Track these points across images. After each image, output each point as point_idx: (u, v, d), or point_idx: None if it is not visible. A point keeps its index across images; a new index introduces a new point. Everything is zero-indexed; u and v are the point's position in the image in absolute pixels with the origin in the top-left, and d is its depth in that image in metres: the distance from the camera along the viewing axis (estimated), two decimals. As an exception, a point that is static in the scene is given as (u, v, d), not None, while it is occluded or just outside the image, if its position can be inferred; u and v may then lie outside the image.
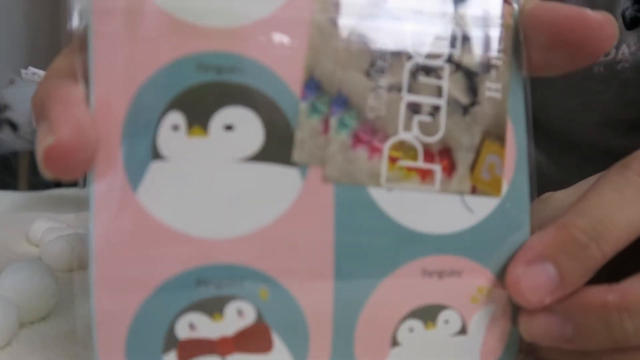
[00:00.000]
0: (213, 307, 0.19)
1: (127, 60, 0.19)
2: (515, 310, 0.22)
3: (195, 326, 0.19)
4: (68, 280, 0.34)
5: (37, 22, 1.96)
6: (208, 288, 0.19)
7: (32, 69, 0.44)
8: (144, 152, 0.19)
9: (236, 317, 0.19)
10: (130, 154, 0.19)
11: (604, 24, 0.20)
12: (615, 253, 0.20)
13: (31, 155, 1.76)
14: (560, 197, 0.23)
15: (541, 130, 0.48)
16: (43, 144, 0.18)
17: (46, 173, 0.18)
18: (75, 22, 0.19)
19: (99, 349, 0.19)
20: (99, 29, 0.19)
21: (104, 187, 0.19)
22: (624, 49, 0.40)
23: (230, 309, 0.19)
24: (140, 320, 0.19)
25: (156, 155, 0.19)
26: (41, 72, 0.44)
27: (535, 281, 0.20)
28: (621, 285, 0.20)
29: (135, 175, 0.19)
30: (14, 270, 0.27)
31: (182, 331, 0.19)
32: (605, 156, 0.25)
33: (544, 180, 0.24)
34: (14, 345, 0.24)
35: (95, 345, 0.19)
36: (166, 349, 0.19)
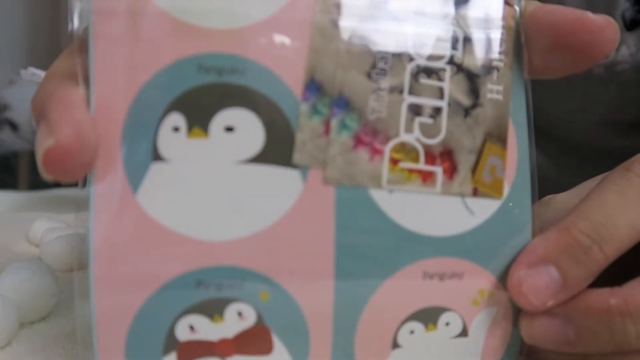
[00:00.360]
0: (213, 309, 0.19)
1: (127, 61, 0.19)
2: (516, 313, 0.22)
3: (196, 328, 0.19)
4: (68, 280, 0.34)
5: (37, 22, 1.96)
6: (208, 290, 0.19)
7: (32, 69, 0.43)
8: (145, 153, 0.19)
9: (236, 319, 0.19)
10: (131, 156, 0.19)
11: (605, 27, 0.20)
12: (617, 255, 0.20)
13: (31, 155, 1.76)
14: (561, 200, 0.23)
15: (541, 132, 0.48)
16: (43, 145, 0.18)
17: (46, 175, 0.18)
18: (75, 23, 0.19)
19: (98, 349, 0.19)
20: (100, 30, 0.19)
21: (104, 188, 0.19)
22: (624, 50, 0.40)
23: (231, 310, 0.19)
24: (141, 321, 0.19)
25: (156, 156, 0.19)
26: (41, 72, 0.44)
27: (538, 284, 0.20)
28: (624, 288, 0.20)
29: (135, 177, 0.19)
30: (14, 270, 0.27)
31: (182, 333, 0.19)
32: (605, 157, 0.25)
33: (544, 181, 0.24)
34: (14, 345, 0.24)
35: (95, 346, 0.19)
36: (166, 350, 0.19)
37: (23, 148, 1.74)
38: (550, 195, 0.24)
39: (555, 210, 0.23)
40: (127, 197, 0.19)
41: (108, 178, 0.19)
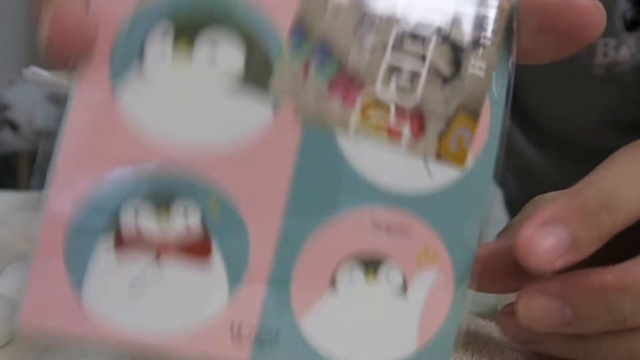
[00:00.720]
0: (161, 199, 0.20)
1: None
2: (459, 285, 0.22)
3: (139, 213, 0.19)
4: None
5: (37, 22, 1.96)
6: (162, 181, 0.20)
7: (34, 68, 0.43)
8: (131, 52, 0.20)
9: (180, 214, 0.20)
10: (118, 52, 0.20)
11: (592, 11, 0.20)
12: (625, 226, 0.20)
13: (31, 155, 1.76)
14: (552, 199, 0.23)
15: (540, 132, 0.49)
16: (53, 15, 0.18)
17: (49, 50, 0.19)
18: None
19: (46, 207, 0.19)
20: None
21: (87, 79, 0.19)
22: (624, 50, 0.40)
23: (177, 205, 0.20)
24: (90, 197, 0.19)
25: (141, 57, 0.20)
26: (44, 72, 0.44)
27: (547, 243, 0.20)
28: (620, 265, 0.20)
29: (117, 74, 0.20)
30: (14, 270, 0.27)
31: (126, 216, 0.19)
32: (604, 157, 0.25)
33: (544, 181, 0.24)
34: (14, 344, 0.24)
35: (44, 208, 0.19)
36: (107, 228, 0.19)
37: (23, 148, 1.74)
38: (545, 194, 0.24)
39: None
40: (107, 91, 0.20)
41: (93, 68, 0.20)
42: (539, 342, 0.22)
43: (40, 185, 0.19)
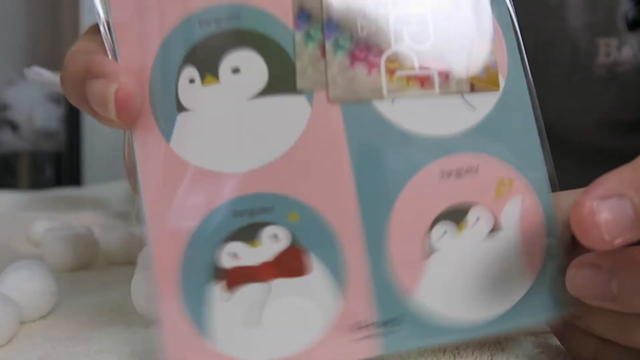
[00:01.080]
0: (250, 235, 0.20)
1: (141, 30, 0.21)
2: (545, 199, 0.22)
3: (238, 255, 0.20)
4: (68, 280, 0.34)
5: (37, 22, 1.97)
6: (243, 217, 0.20)
7: (36, 68, 0.43)
8: (170, 106, 0.21)
9: (272, 242, 0.20)
10: (160, 111, 0.20)
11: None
12: None
13: (31, 155, 1.76)
14: (564, 198, 0.23)
15: (540, 132, 0.49)
16: (109, 90, 0.20)
17: (116, 118, 0.20)
18: (101, 13, 0.21)
19: (159, 287, 0.20)
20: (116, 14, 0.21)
21: (144, 143, 0.21)
22: (627, 50, 0.40)
23: (266, 234, 0.20)
24: (190, 253, 0.20)
25: (180, 107, 0.21)
26: (45, 72, 0.44)
27: (610, 216, 0.19)
28: None
29: (166, 129, 0.21)
30: (14, 269, 0.27)
31: (227, 261, 0.20)
32: (604, 157, 0.25)
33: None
34: (14, 343, 0.24)
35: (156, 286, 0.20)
36: (216, 279, 0.20)
37: (23, 148, 1.74)
38: (553, 193, 0.24)
39: (557, 208, 0.23)
40: (163, 147, 0.20)
41: (145, 134, 0.21)
42: (581, 317, 0.22)
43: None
